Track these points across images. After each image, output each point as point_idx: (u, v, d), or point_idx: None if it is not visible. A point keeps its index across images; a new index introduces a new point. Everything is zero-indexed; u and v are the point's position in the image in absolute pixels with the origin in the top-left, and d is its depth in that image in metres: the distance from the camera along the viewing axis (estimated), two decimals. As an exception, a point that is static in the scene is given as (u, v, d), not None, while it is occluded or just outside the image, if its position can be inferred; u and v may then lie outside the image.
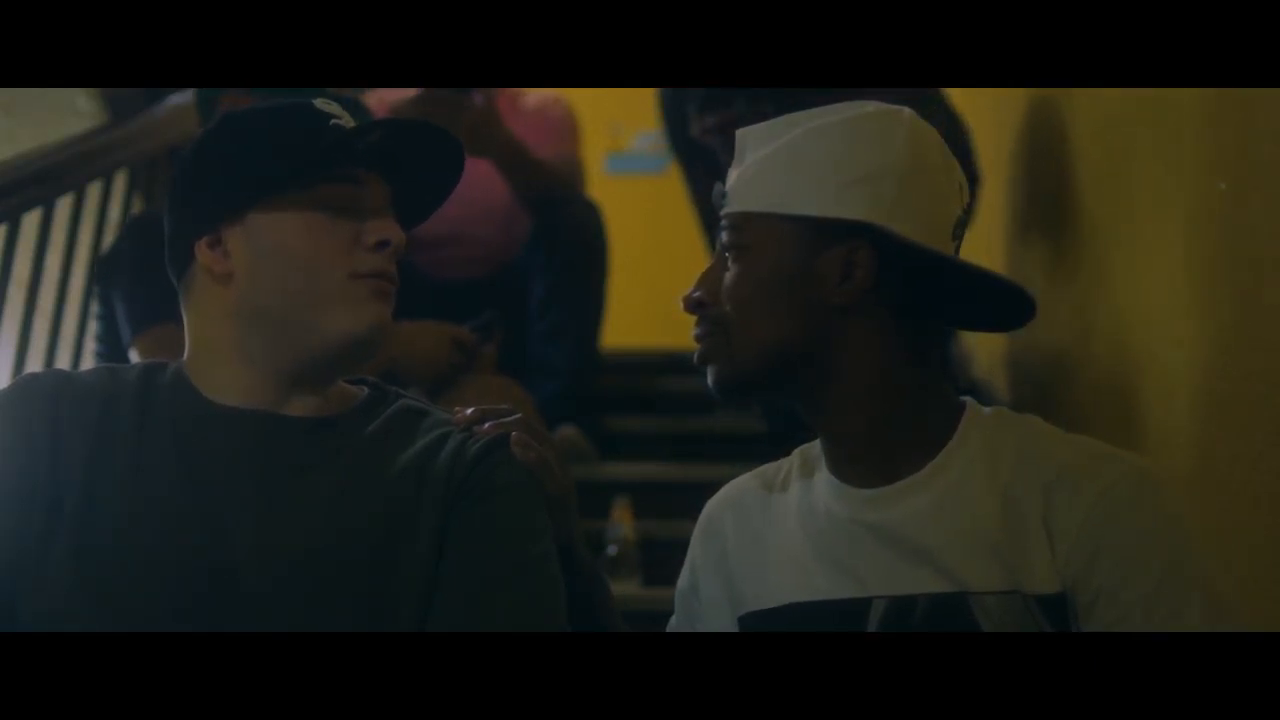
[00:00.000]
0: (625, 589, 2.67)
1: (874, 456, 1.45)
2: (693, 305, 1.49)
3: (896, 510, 1.43)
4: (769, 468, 1.57)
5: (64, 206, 2.97)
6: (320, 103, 1.46)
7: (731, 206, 1.47)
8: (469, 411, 1.47)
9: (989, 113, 3.17)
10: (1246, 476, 1.88)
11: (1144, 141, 2.36)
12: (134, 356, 2.56)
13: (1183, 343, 2.15)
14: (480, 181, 3.17)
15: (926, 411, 1.45)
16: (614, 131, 5.39)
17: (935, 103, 2.69)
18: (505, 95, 3.35)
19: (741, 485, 1.58)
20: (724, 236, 1.48)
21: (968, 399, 1.48)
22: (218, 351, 1.44)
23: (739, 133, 1.50)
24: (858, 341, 1.44)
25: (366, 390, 1.50)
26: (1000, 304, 1.48)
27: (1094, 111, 2.66)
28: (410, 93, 3.03)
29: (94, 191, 3.11)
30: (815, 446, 1.53)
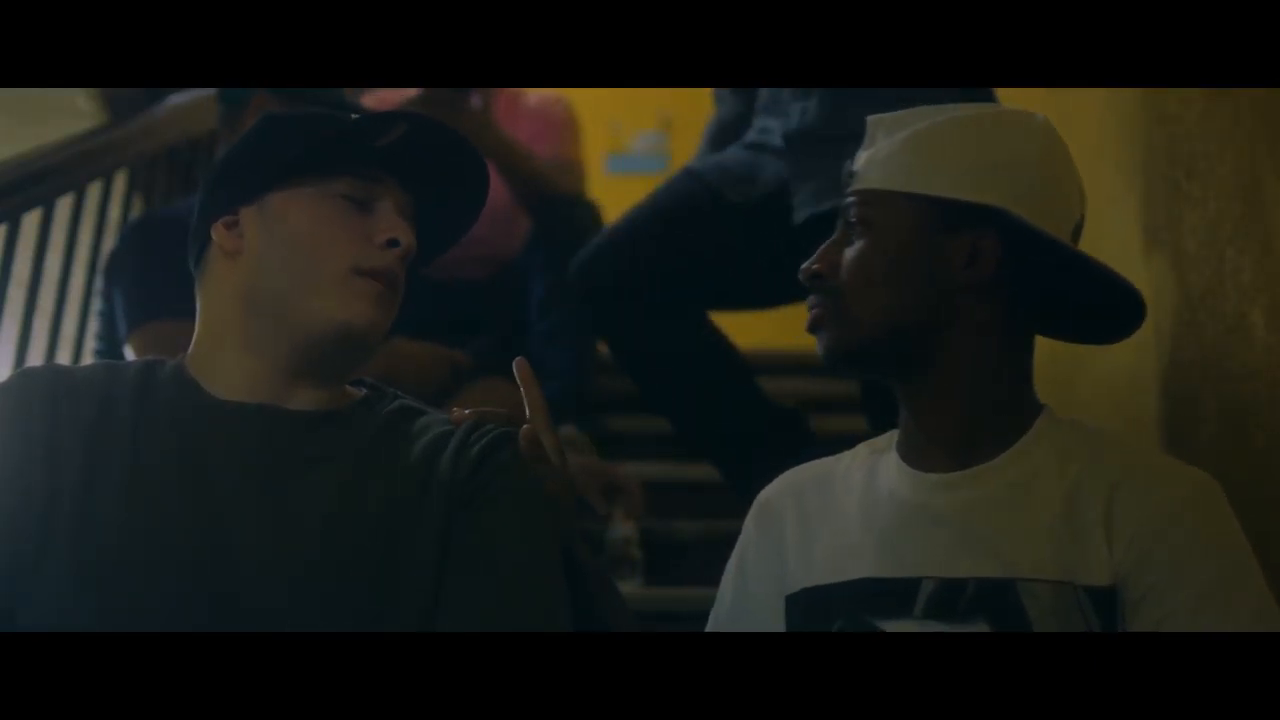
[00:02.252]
0: (625, 589, 2.66)
1: (955, 442, 1.46)
2: (810, 277, 1.50)
3: (960, 495, 1.45)
4: (829, 459, 1.59)
5: (64, 206, 2.96)
6: (360, 116, 1.48)
7: (861, 184, 1.48)
8: (467, 412, 1.47)
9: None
10: (1247, 476, 1.88)
11: (1153, 140, 2.36)
12: (128, 352, 2.56)
13: (1183, 342, 2.15)
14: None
15: (1012, 406, 1.47)
16: (614, 131, 5.39)
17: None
18: (505, 95, 3.35)
19: (801, 473, 1.59)
20: (850, 213, 1.49)
21: (1046, 404, 1.50)
22: (222, 338, 1.44)
23: (870, 119, 1.52)
24: (970, 327, 1.45)
25: (364, 390, 1.51)
26: (1107, 311, 1.49)
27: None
28: (409, 94, 3.02)
29: (94, 191, 3.11)
30: (883, 439, 1.55)
